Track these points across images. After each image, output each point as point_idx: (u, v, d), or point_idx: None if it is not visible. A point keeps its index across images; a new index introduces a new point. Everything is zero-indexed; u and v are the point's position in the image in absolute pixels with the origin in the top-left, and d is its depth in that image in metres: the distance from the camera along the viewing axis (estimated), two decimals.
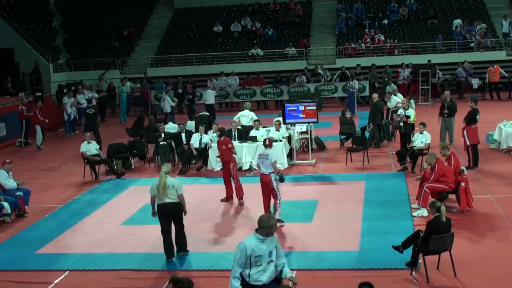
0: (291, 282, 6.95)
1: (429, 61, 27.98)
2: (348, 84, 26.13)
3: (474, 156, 14.92)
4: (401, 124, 16.41)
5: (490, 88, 27.06)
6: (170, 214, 9.92)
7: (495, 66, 26.69)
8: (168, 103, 23.78)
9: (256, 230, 6.70)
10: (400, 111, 16.87)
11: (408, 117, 16.31)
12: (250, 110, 19.39)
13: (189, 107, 25.43)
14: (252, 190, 13.96)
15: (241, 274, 6.62)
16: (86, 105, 24.28)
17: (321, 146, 18.24)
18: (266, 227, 6.65)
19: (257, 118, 18.36)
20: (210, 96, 24.86)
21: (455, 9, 33.22)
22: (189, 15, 35.86)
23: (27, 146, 21.62)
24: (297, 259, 9.81)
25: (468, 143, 14.87)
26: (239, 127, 17.57)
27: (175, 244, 10.17)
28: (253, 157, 16.09)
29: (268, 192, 11.50)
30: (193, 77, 29.65)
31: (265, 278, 6.66)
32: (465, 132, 14.91)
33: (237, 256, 6.61)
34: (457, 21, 30.94)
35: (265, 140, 12.18)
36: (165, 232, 9.99)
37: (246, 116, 18.71)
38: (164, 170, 10.01)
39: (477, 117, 15.04)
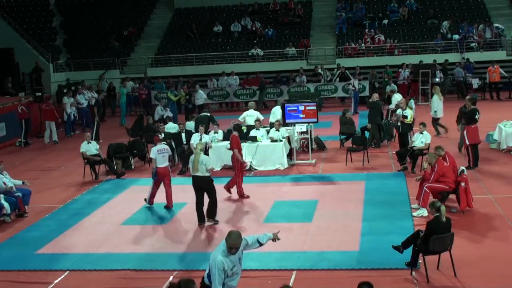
0: (277, 236, 7.45)
1: (435, 60, 28.05)
2: (349, 84, 26.21)
3: (474, 156, 14.92)
4: (399, 124, 16.41)
5: (490, 88, 27.04)
6: (200, 186, 11.70)
7: (495, 66, 26.69)
8: (158, 113, 23.26)
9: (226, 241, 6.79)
10: (398, 111, 16.85)
11: (406, 117, 16.28)
12: (255, 109, 19.38)
13: (186, 107, 25.39)
14: (253, 190, 13.99)
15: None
16: (87, 105, 24.35)
17: (321, 146, 18.24)
18: (231, 246, 6.71)
19: (262, 118, 18.39)
20: (201, 97, 24.91)
21: (455, 9, 33.22)
22: (189, 15, 35.86)
23: (27, 146, 21.63)
24: (297, 259, 9.82)
25: (467, 142, 14.87)
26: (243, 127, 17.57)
27: (206, 213, 11.74)
28: (253, 157, 16.11)
29: (166, 180, 12.97)
30: (193, 77, 29.68)
31: (235, 282, 6.81)
32: (465, 132, 14.92)
33: (216, 275, 6.61)
34: (445, 23, 30.84)
35: (160, 136, 14.01)
36: (198, 200, 11.78)
37: (251, 116, 18.67)
38: (199, 148, 11.79)
39: (477, 116, 15.02)
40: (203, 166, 11.55)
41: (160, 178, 12.81)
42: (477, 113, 15.06)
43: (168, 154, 13.09)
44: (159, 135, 14.88)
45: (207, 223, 11.75)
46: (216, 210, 11.80)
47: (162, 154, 12.86)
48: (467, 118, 15.03)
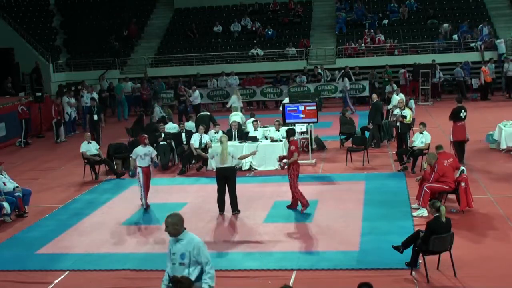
0: None
1: (433, 60, 27.95)
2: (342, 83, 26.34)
3: (460, 153, 15.02)
4: (398, 124, 16.41)
5: (482, 88, 26.89)
6: (227, 176, 12.10)
7: (487, 66, 26.68)
8: (157, 114, 23.23)
9: None
10: (397, 111, 16.85)
11: (404, 117, 16.28)
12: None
13: (184, 108, 25.39)
14: (254, 191, 13.99)
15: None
16: (89, 105, 24.32)
17: (321, 146, 18.23)
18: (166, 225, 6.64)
19: (244, 120, 18.62)
20: (196, 96, 25.07)
21: (455, 9, 33.20)
22: (189, 15, 35.85)
23: (27, 146, 21.63)
24: (297, 259, 9.83)
25: (451, 139, 15.04)
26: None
27: (230, 204, 12.22)
28: (253, 157, 16.09)
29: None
30: (194, 77, 29.66)
31: (177, 273, 6.51)
32: (451, 129, 15.12)
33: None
34: (446, 26, 30.67)
35: (143, 136, 13.53)
36: (220, 191, 12.20)
37: (236, 115, 18.86)
38: (225, 139, 12.29)
39: (462, 114, 15.20)
40: (231, 158, 12.12)
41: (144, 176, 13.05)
42: (463, 110, 15.25)
43: (149, 157, 13.05)
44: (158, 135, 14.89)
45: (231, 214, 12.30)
46: (236, 201, 12.32)
47: (145, 156, 12.99)
48: (452, 115, 15.21)
